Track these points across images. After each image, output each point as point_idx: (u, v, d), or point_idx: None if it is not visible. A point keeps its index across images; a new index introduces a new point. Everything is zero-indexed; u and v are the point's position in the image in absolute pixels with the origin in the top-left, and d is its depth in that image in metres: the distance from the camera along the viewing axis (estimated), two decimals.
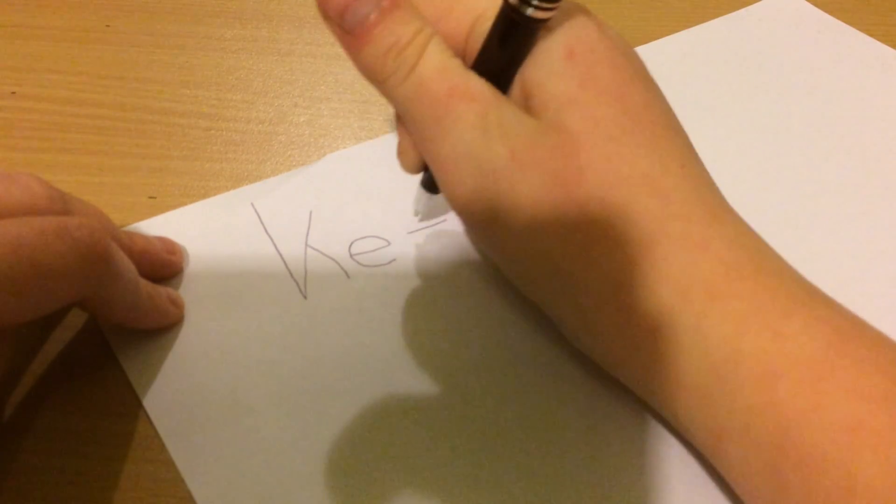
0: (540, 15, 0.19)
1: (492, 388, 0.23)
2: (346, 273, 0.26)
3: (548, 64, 0.20)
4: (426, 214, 0.28)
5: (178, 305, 0.25)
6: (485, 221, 0.21)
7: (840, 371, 0.17)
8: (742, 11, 0.40)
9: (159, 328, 0.24)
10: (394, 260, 0.27)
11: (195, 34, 0.38)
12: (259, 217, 0.28)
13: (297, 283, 0.26)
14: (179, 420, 0.22)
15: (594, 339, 0.21)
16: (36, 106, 0.33)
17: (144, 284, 0.23)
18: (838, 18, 0.40)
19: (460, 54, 0.21)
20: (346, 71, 0.37)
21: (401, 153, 0.24)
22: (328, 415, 0.22)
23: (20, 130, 0.32)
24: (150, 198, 0.29)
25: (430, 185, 0.25)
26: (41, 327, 0.24)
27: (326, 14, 0.20)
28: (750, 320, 0.18)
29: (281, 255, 0.27)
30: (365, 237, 0.28)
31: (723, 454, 0.19)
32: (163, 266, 0.26)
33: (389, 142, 0.32)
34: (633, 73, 0.21)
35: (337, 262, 0.27)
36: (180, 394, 0.23)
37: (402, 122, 0.23)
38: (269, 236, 0.27)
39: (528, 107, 0.21)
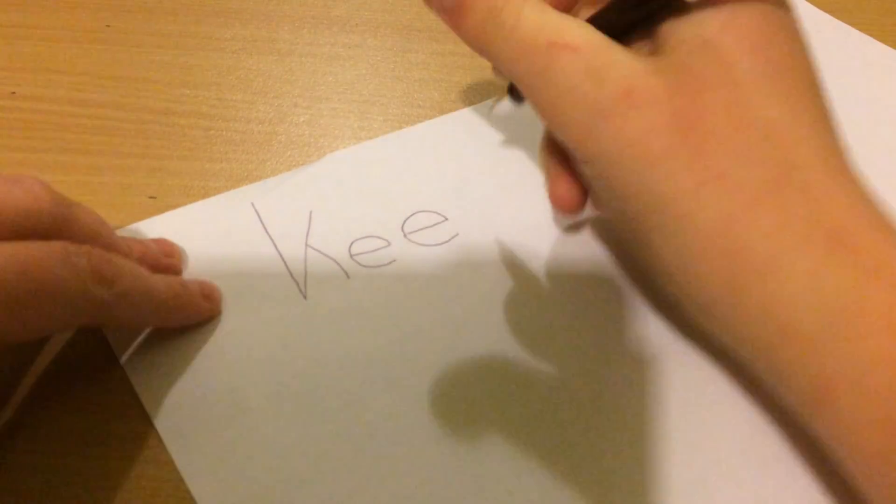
0: None
1: (492, 389, 0.23)
2: (346, 273, 0.26)
3: (692, 11, 0.20)
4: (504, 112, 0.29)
5: (212, 299, 0.25)
6: (598, 157, 0.21)
7: None
8: None
9: (194, 324, 0.24)
10: (394, 260, 0.27)
11: (195, 34, 0.38)
12: (259, 217, 0.28)
13: (297, 283, 0.26)
14: (179, 420, 0.22)
15: (696, 281, 0.20)
16: (36, 106, 0.33)
17: (171, 283, 0.23)
18: (837, 18, 0.40)
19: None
20: (346, 71, 0.37)
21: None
22: (328, 415, 0.22)
23: (20, 130, 0.32)
24: (150, 198, 0.29)
25: (517, 94, 0.27)
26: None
27: (428, 2, 0.22)
28: (879, 272, 0.18)
29: (281, 254, 0.27)
30: (365, 237, 0.28)
31: (830, 405, 0.18)
32: (161, 270, 0.25)
33: (390, 142, 0.32)
34: (780, 24, 0.20)
35: (337, 263, 0.27)
36: (180, 394, 0.23)
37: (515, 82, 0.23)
38: (269, 236, 0.27)
39: (657, 52, 0.21)
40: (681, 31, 0.20)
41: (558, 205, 0.26)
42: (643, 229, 0.21)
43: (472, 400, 0.23)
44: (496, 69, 0.25)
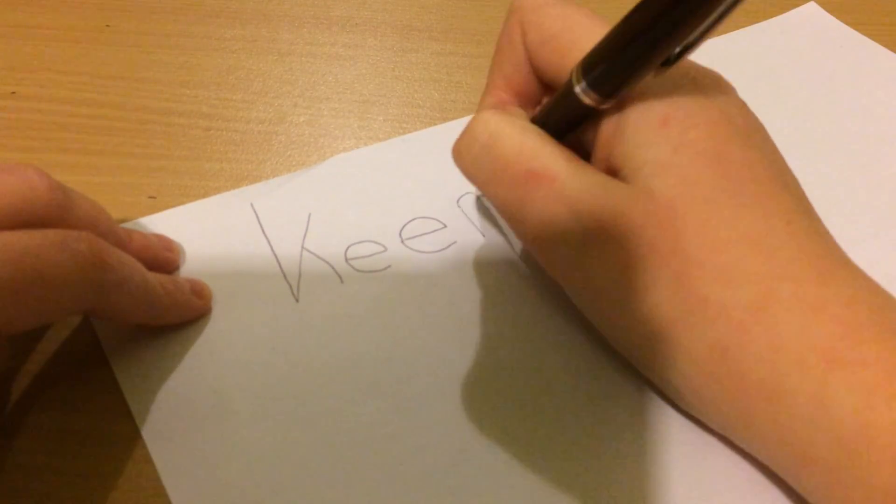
0: (603, 106, 0.20)
1: (483, 398, 0.23)
2: (339, 277, 0.26)
3: (641, 133, 0.20)
4: None
5: (202, 297, 0.25)
6: (583, 290, 0.22)
7: None
8: (764, 23, 0.39)
9: (185, 321, 0.24)
10: (389, 266, 0.27)
11: (195, 34, 0.38)
12: (257, 217, 0.28)
13: (290, 286, 0.26)
14: (162, 419, 0.22)
15: (704, 405, 0.20)
16: (36, 106, 0.33)
17: (162, 280, 0.23)
18: (841, 20, 0.40)
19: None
20: (346, 71, 0.37)
21: None
22: (312, 420, 0.22)
23: (20, 130, 0.32)
24: (150, 197, 0.29)
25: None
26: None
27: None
28: (879, 390, 0.17)
29: (276, 256, 0.27)
30: (362, 242, 0.28)
31: None
32: (160, 263, 0.26)
33: (394, 146, 0.32)
34: (732, 132, 0.20)
35: (331, 266, 0.27)
36: (165, 393, 0.23)
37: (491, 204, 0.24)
38: (266, 237, 0.27)
39: (617, 177, 0.21)
40: (639, 153, 0.20)
41: None
42: (649, 357, 0.21)
43: (461, 408, 0.23)
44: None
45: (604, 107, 0.20)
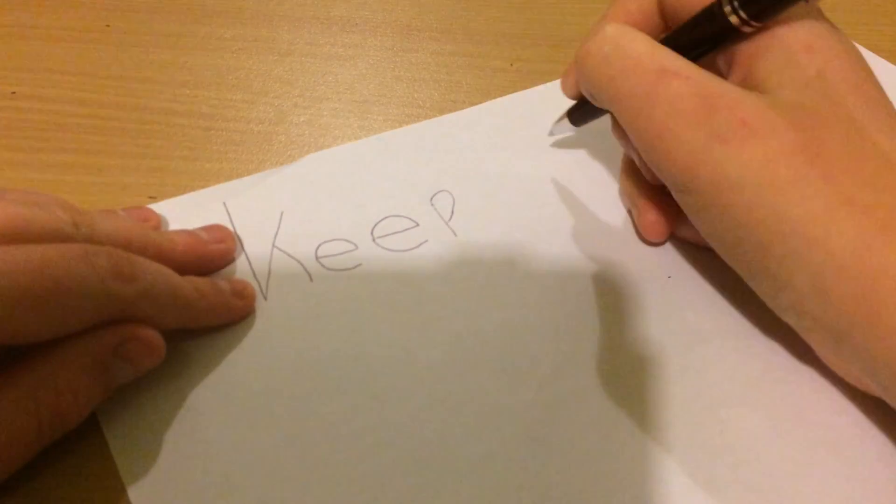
0: (746, 29, 0.21)
1: (448, 396, 0.23)
2: (309, 275, 0.26)
3: (786, 54, 0.21)
4: (558, 136, 0.31)
5: (244, 297, 0.25)
6: (710, 182, 0.21)
7: None
8: None
9: (226, 323, 0.24)
10: (359, 265, 0.27)
11: (195, 34, 0.38)
12: (229, 216, 0.28)
13: (259, 284, 0.26)
14: (121, 413, 0.22)
15: (833, 306, 0.20)
16: (36, 106, 0.33)
17: (199, 284, 0.23)
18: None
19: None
20: (346, 71, 0.37)
21: (565, 80, 0.28)
22: (276, 418, 0.22)
23: (20, 130, 0.32)
24: (150, 198, 0.29)
25: (574, 118, 0.29)
26: None
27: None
28: None
29: (246, 254, 0.27)
30: (333, 240, 0.27)
31: None
32: (212, 258, 0.26)
33: (370, 145, 0.32)
34: (868, 71, 0.22)
35: (301, 265, 0.27)
36: (126, 387, 0.22)
37: (594, 98, 0.25)
38: (237, 236, 0.27)
39: (757, 89, 0.22)
40: (787, 70, 0.21)
41: (650, 233, 0.27)
42: (768, 257, 0.21)
43: (427, 406, 0.23)
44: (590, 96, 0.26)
45: (747, 29, 0.21)
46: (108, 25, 0.38)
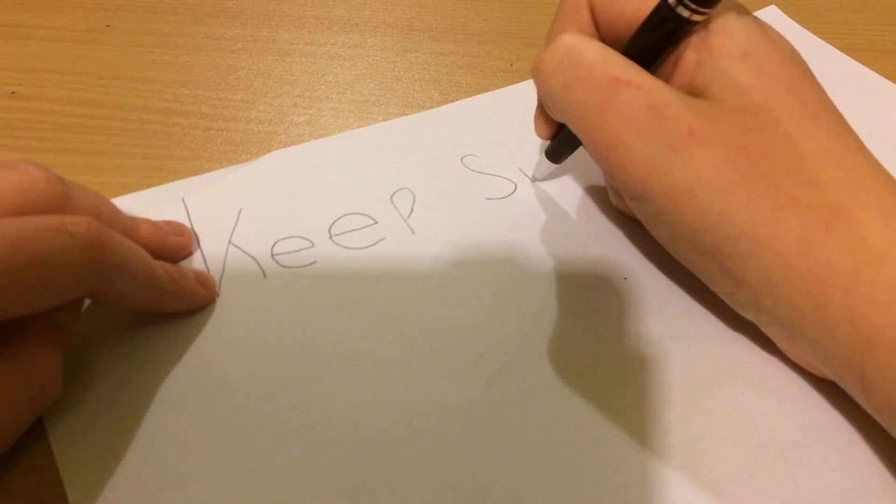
0: (696, 18, 0.22)
1: (393, 394, 0.23)
2: (263, 272, 0.26)
3: (724, 61, 0.22)
4: (543, 178, 0.31)
5: (207, 286, 0.25)
6: (662, 190, 0.22)
7: None
8: None
9: (188, 310, 0.25)
10: (314, 262, 0.27)
11: (195, 34, 0.38)
12: (188, 212, 0.28)
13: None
14: (63, 409, 0.22)
15: (783, 301, 0.21)
16: (36, 106, 0.33)
17: (167, 268, 0.23)
18: (800, 24, 0.40)
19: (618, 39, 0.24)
20: (346, 71, 0.37)
21: (537, 122, 0.28)
22: (220, 415, 0.22)
23: (20, 130, 0.32)
24: None
25: (553, 156, 0.29)
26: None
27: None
28: None
29: (202, 251, 0.27)
30: (289, 237, 0.27)
31: None
32: (170, 249, 0.26)
33: (334, 143, 0.32)
34: (804, 71, 0.23)
35: (256, 261, 0.27)
36: (70, 380, 0.22)
37: (551, 109, 0.25)
38: (194, 232, 0.27)
39: (700, 96, 0.22)
40: (726, 76, 0.22)
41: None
42: (723, 258, 0.22)
43: (372, 405, 0.23)
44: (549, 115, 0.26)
45: (697, 18, 0.22)
46: (108, 25, 0.38)
